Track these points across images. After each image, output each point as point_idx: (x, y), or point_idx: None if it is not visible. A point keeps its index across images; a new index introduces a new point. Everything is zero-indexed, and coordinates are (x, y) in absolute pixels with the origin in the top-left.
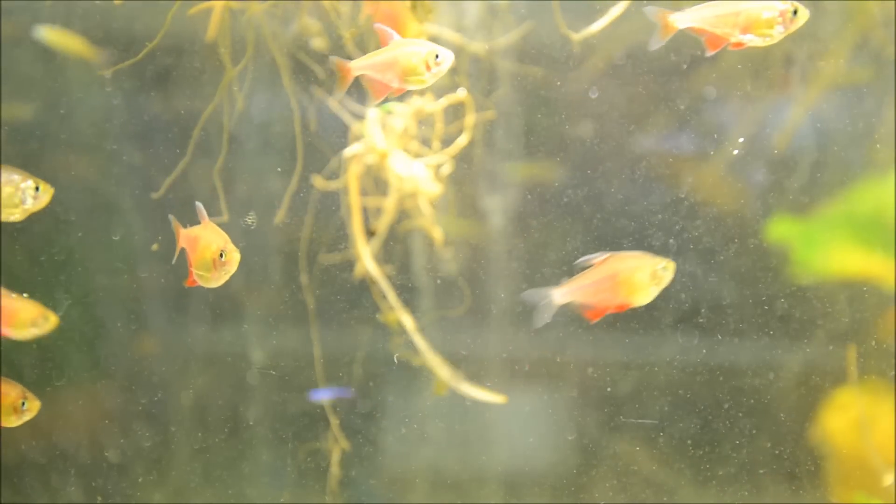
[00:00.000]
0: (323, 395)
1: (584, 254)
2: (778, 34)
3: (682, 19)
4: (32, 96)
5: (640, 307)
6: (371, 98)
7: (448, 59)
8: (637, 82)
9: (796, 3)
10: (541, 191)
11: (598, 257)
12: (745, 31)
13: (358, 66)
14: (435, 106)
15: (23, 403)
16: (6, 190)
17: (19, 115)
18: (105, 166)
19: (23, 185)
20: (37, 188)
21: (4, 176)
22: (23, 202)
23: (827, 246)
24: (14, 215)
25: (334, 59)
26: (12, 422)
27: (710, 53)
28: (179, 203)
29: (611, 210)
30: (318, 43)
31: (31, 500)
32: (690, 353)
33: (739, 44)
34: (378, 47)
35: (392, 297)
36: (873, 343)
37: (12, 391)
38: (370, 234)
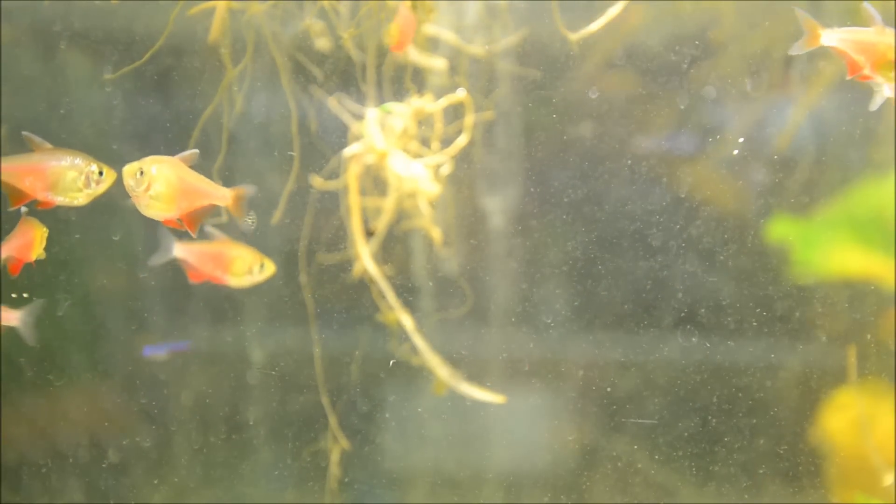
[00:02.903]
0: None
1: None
2: (889, 78)
3: (829, 37)
4: (32, 96)
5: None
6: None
7: None
8: (637, 82)
9: None
10: (541, 190)
11: None
12: (873, 67)
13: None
14: (434, 106)
15: (262, 265)
16: (70, 174)
17: (19, 115)
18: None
19: (87, 170)
20: (100, 172)
21: (69, 160)
22: (87, 186)
23: (827, 246)
24: (78, 199)
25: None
26: (247, 281)
27: (848, 77)
28: None
29: (611, 210)
30: (322, 43)
31: (31, 500)
32: (690, 353)
33: (866, 77)
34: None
35: (391, 296)
36: (873, 343)
37: (249, 255)
38: (369, 233)
